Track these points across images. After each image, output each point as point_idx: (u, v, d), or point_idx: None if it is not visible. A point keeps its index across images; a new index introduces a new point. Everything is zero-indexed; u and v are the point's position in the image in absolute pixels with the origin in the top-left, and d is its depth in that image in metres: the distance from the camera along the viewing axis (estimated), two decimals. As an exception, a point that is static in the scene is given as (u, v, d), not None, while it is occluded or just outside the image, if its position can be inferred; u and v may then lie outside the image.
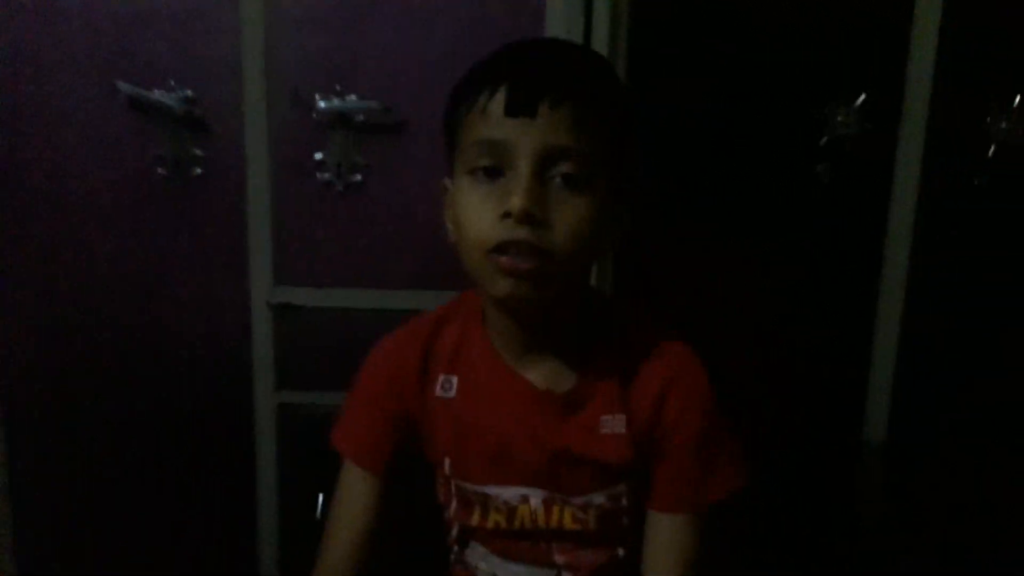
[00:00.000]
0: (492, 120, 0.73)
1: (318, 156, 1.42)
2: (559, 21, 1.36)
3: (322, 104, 1.39)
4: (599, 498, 0.84)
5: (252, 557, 1.55)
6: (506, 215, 0.72)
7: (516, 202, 0.71)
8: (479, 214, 0.74)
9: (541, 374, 0.84)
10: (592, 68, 0.78)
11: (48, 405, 1.51)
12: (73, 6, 1.36)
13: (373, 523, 0.88)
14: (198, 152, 1.42)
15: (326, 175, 1.43)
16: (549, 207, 0.73)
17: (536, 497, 0.85)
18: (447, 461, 0.87)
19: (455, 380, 0.87)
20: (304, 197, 1.44)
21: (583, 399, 0.83)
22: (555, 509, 0.85)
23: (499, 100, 0.73)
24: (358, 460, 0.88)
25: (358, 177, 1.43)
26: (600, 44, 1.37)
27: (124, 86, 1.37)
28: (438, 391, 0.87)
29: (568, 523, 0.85)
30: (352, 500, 0.88)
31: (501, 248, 0.73)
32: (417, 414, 0.88)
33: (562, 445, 0.83)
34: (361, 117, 1.41)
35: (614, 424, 0.82)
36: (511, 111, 0.72)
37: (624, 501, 0.85)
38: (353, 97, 1.40)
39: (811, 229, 1.52)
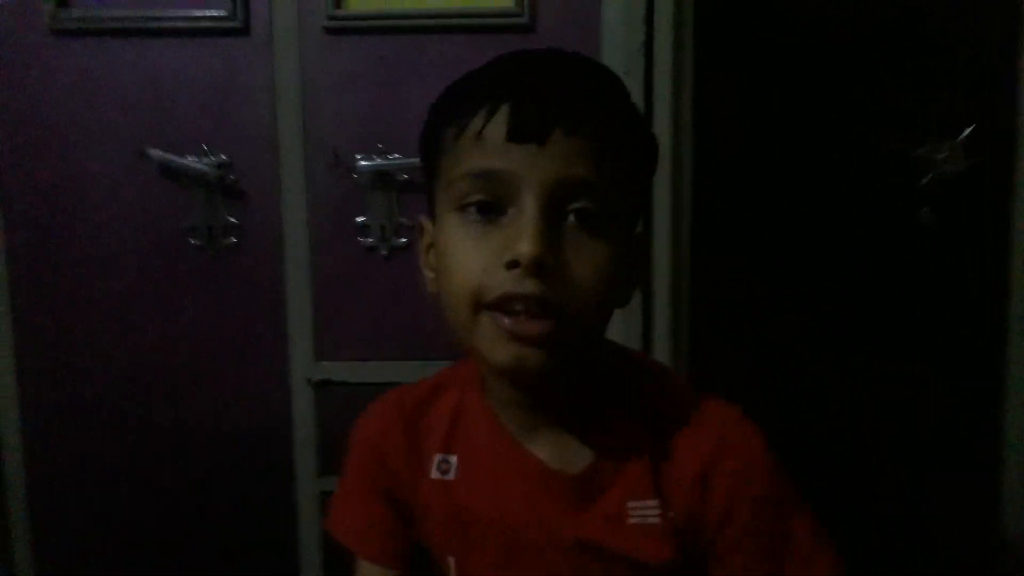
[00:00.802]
0: (490, 147, 0.59)
1: (360, 219, 1.31)
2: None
3: (363, 163, 1.29)
4: None
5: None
6: (512, 264, 0.57)
7: (526, 249, 0.56)
8: (473, 260, 0.59)
9: (552, 450, 0.68)
10: (611, 86, 0.65)
11: (81, 491, 1.41)
12: (103, 72, 1.30)
13: None
14: (232, 220, 1.33)
15: (369, 239, 1.32)
16: (562, 254, 0.58)
17: None
18: (451, 561, 0.71)
19: (454, 460, 0.71)
20: (346, 263, 1.33)
21: (603, 480, 0.67)
22: None
23: (500, 123, 0.59)
24: (368, 553, 0.74)
25: (403, 240, 1.31)
26: (663, 73, 1.23)
27: (155, 153, 1.29)
28: (434, 473, 0.71)
29: None
30: None
31: (503, 304, 0.58)
32: (411, 500, 0.73)
33: (583, 536, 0.66)
34: (404, 176, 1.30)
35: (645, 512, 0.66)
36: (517, 136, 0.58)
37: None
38: (396, 156, 1.29)
39: (915, 285, 1.33)
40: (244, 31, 1.27)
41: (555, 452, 0.68)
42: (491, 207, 0.59)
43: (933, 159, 1.30)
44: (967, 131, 1.29)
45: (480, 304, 0.59)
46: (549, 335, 0.58)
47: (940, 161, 1.30)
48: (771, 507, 0.66)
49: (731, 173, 1.32)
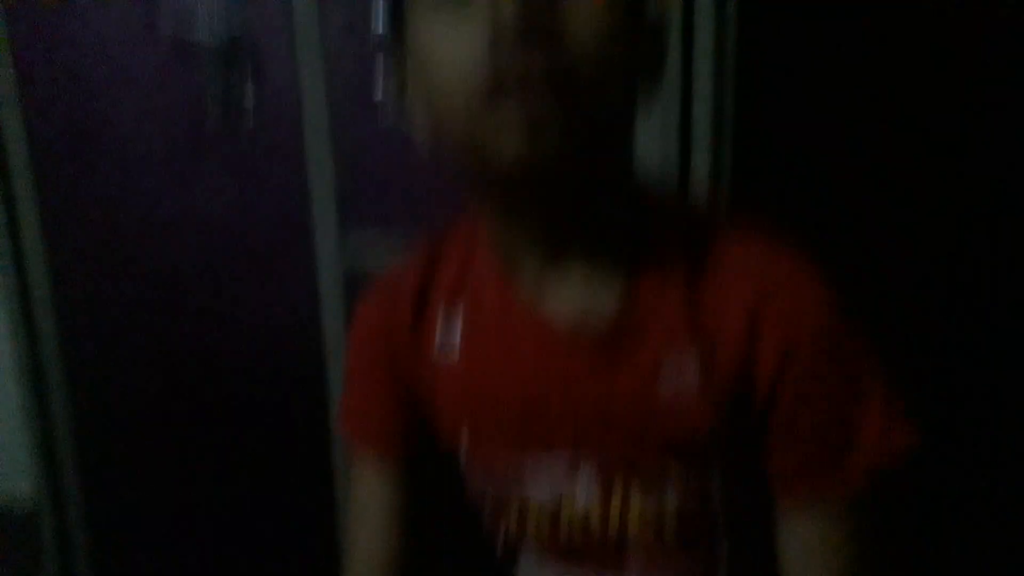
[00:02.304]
0: None
1: (378, 96, 1.26)
2: None
3: (379, 29, 1.23)
4: (674, 470, 0.59)
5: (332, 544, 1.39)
6: (499, 32, 0.48)
7: (509, 9, 0.47)
8: (453, 47, 0.50)
9: (570, 302, 0.58)
10: None
11: (111, 372, 1.42)
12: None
13: (400, 531, 0.67)
14: (250, 96, 1.29)
15: (388, 111, 1.27)
16: (559, 18, 0.49)
17: (584, 487, 0.61)
18: (463, 431, 0.65)
19: (457, 332, 0.63)
20: (367, 135, 1.28)
21: (632, 336, 0.57)
22: (614, 506, 0.61)
23: None
24: (365, 439, 0.68)
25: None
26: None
27: (166, 27, 1.25)
28: (435, 355, 0.64)
29: (635, 526, 0.60)
30: (372, 503, 0.67)
31: (498, 89, 0.48)
32: (414, 381, 0.66)
33: (608, 405, 0.58)
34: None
35: (682, 369, 0.57)
36: None
37: (715, 491, 0.59)
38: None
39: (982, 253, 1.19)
40: None
41: (573, 304, 0.58)
42: None
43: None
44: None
45: (477, 96, 0.49)
46: (559, 111, 0.48)
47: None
48: (835, 355, 0.56)
49: (777, 129, 1.21)
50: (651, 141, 1.12)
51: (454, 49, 0.50)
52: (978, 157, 1.21)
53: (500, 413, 0.62)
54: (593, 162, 0.54)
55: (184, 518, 1.45)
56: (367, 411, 0.68)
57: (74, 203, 1.36)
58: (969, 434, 1.21)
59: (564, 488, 0.62)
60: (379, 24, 1.23)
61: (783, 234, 0.60)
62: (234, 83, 1.28)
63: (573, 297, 0.59)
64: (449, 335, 0.63)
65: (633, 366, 0.58)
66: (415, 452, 0.68)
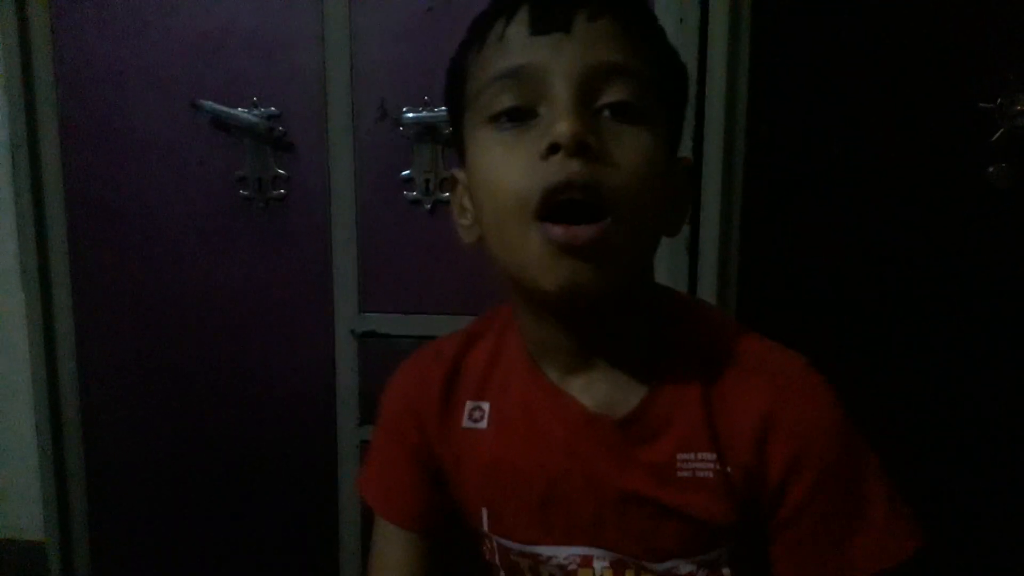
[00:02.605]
0: (514, 45, 0.56)
1: (405, 173, 1.31)
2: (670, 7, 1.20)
3: (409, 116, 1.28)
4: (687, 567, 0.62)
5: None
6: (551, 150, 0.53)
7: (563, 128, 0.53)
8: (510, 166, 0.55)
9: (595, 391, 0.63)
10: None
11: (130, 427, 1.46)
12: (154, 24, 1.32)
13: None
14: (281, 172, 1.34)
15: (413, 192, 1.32)
16: (602, 141, 0.55)
17: (601, 561, 0.63)
18: (484, 513, 0.68)
19: (487, 407, 0.67)
20: (391, 217, 1.33)
21: (653, 426, 0.61)
22: None
23: (522, 20, 0.57)
24: (387, 513, 0.72)
25: (446, 194, 1.31)
26: (719, 25, 1.19)
27: (206, 104, 1.31)
28: (465, 421, 0.68)
29: None
30: (389, 566, 0.71)
31: (550, 202, 0.53)
32: (441, 452, 0.70)
33: (627, 488, 0.61)
34: (449, 129, 1.29)
35: (697, 465, 0.60)
36: (539, 27, 0.56)
37: (725, 573, 0.62)
38: (442, 109, 1.28)
39: (985, 247, 1.26)
40: (293, -19, 1.28)
41: (598, 395, 0.63)
42: (523, 113, 0.56)
43: (1008, 111, 1.22)
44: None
45: (526, 212, 0.54)
46: (602, 240, 0.53)
47: (1014, 115, 1.22)
48: (841, 467, 0.59)
49: (788, 127, 1.27)
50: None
51: (510, 168, 0.55)
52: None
53: (522, 491, 0.65)
54: (627, 286, 0.59)
55: (193, 570, 1.49)
56: (390, 484, 0.72)
57: (105, 270, 1.41)
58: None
59: (577, 566, 0.64)
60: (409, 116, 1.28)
61: (789, 340, 0.64)
62: (267, 157, 1.34)
63: (596, 389, 0.63)
64: (477, 415, 0.68)
65: (652, 457, 0.61)
66: (434, 526, 0.71)
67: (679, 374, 0.62)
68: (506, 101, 0.56)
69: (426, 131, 1.29)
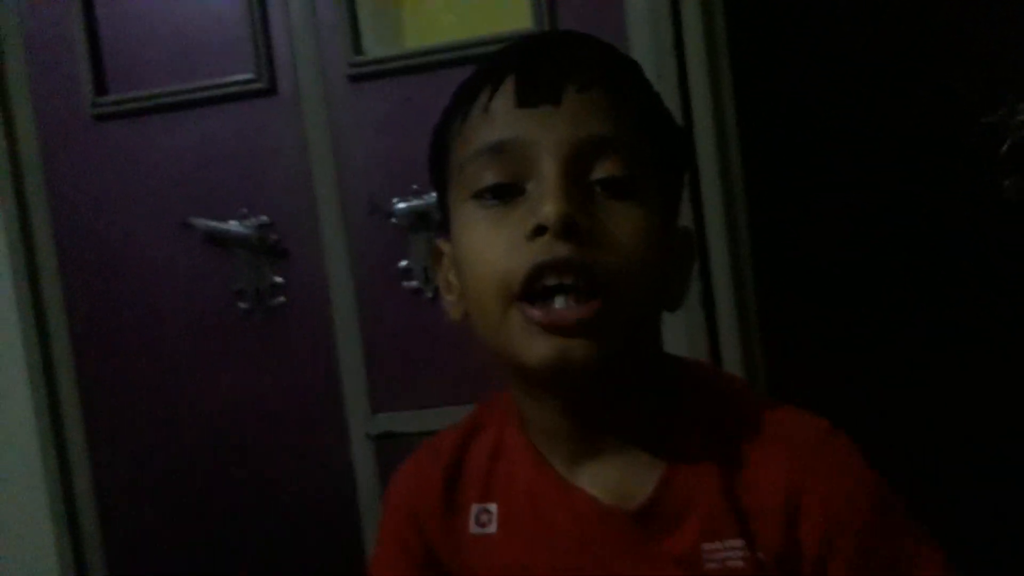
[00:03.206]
0: (499, 118, 0.53)
1: (403, 264, 1.28)
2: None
3: (401, 206, 1.26)
4: None
5: None
6: (537, 231, 0.50)
7: (550, 207, 0.49)
8: (493, 244, 0.52)
9: (606, 480, 0.57)
10: (617, 50, 0.59)
11: (150, 553, 1.40)
12: (143, 149, 1.33)
13: None
14: (278, 280, 1.32)
15: (413, 282, 1.28)
16: (594, 218, 0.51)
17: None
18: None
19: (494, 509, 0.61)
20: (393, 310, 1.30)
21: (672, 514, 0.55)
22: None
23: (507, 92, 0.53)
24: None
25: (447, 280, 1.28)
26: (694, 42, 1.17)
27: (198, 222, 1.30)
28: (472, 527, 0.62)
29: None
30: None
31: (533, 284, 0.50)
32: (449, 561, 0.63)
33: None
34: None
35: (726, 555, 0.54)
36: (526, 99, 0.52)
37: None
38: (433, 195, 1.26)
39: (999, 263, 1.20)
40: (271, 91, 1.29)
41: (610, 485, 0.57)
42: (508, 189, 0.52)
43: (1010, 123, 1.18)
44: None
45: (509, 295, 0.51)
46: (592, 320, 0.50)
47: (1018, 124, 1.18)
48: (881, 535, 0.54)
49: (787, 155, 1.23)
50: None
51: (494, 247, 0.52)
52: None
53: None
54: (624, 362, 0.54)
55: None
56: None
57: (114, 395, 1.39)
58: None
59: None
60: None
61: (814, 408, 0.58)
62: (263, 267, 1.32)
63: (607, 477, 0.57)
64: (484, 519, 0.62)
65: (674, 550, 0.55)
66: None
67: (695, 452, 0.56)
68: (491, 177, 0.53)
69: (419, 219, 1.27)
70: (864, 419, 0.61)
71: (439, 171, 0.59)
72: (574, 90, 0.52)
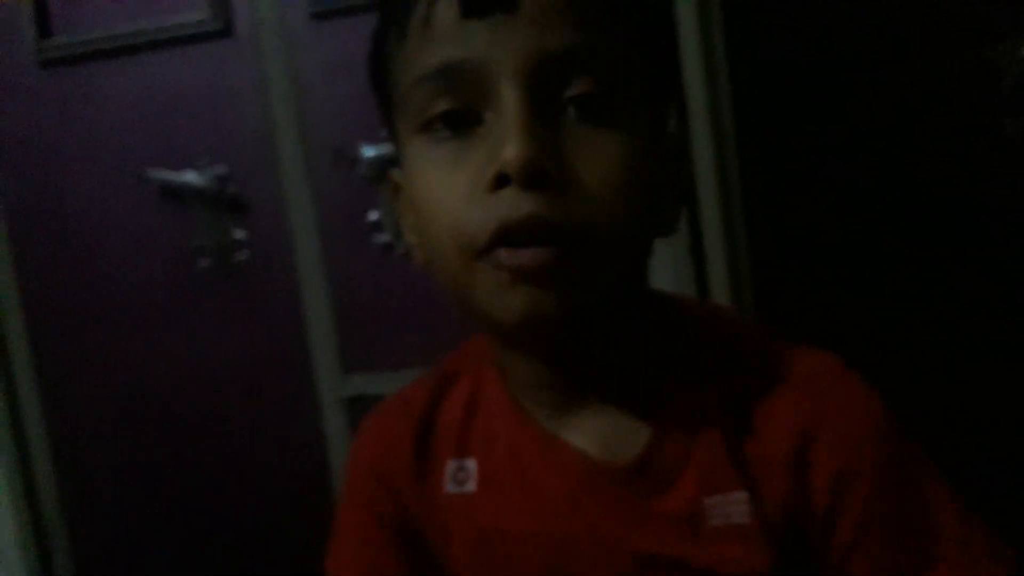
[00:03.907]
0: (443, 33, 0.45)
1: (372, 216, 1.21)
2: None
3: (368, 153, 1.19)
4: None
5: None
6: (499, 182, 0.42)
7: (512, 152, 0.41)
8: (449, 192, 0.45)
9: (594, 433, 0.51)
10: None
11: (114, 521, 1.34)
12: (93, 96, 1.25)
13: None
14: (240, 235, 1.24)
15: (383, 236, 1.21)
16: (564, 157, 0.43)
17: None
18: None
19: (472, 466, 0.55)
20: (363, 266, 1.22)
21: (668, 469, 0.49)
22: None
23: (448, 1, 0.44)
24: None
25: (419, 232, 1.20)
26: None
27: (154, 173, 1.22)
28: (448, 485, 0.55)
29: None
30: None
31: (497, 243, 0.43)
32: (423, 522, 0.57)
33: (645, 549, 0.49)
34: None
35: (729, 509, 0.49)
36: (472, 7, 0.44)
37: None
38: (403, 141, 1.19)
39: (1002, 208, 1.14)
40: (227, 32, 1.21)
41: (599, 440, 0.51)
42: (461, 119, 0.45)
43: (1012, 58, 1.12)
44: (1050, 19, 1.11)
45: (471, 251, 0.44)
46: (562, 265, 0.43)
47: (1021, 60, 1.11)
48: (897, 482, 0.49)
49: (780, 89, 1.17)
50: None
51: (451, 194, 0.45)
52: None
53: (522, 564, 0.52)
54: (605, 310, 0.47)
55: None
56: (366, 565, 0.59)
57: (72, 359, 1.32)
58: None
59: None
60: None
61: (813, 328, 0.53)
62: (223, 221, 1.24)
63: (595, 431, 0.51)
64: (461, 476, 0.55)
65: (671, 507, 0.49)
66: None
67: (693, 399, 0.50)
68: (440, 106, 0.45)
69: (389, 165, 1.19)
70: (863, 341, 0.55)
71: (381, 92, 0.51)
72: None
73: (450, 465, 0.56)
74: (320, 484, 1.25)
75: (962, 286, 1.15)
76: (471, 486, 0.55)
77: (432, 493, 0.56)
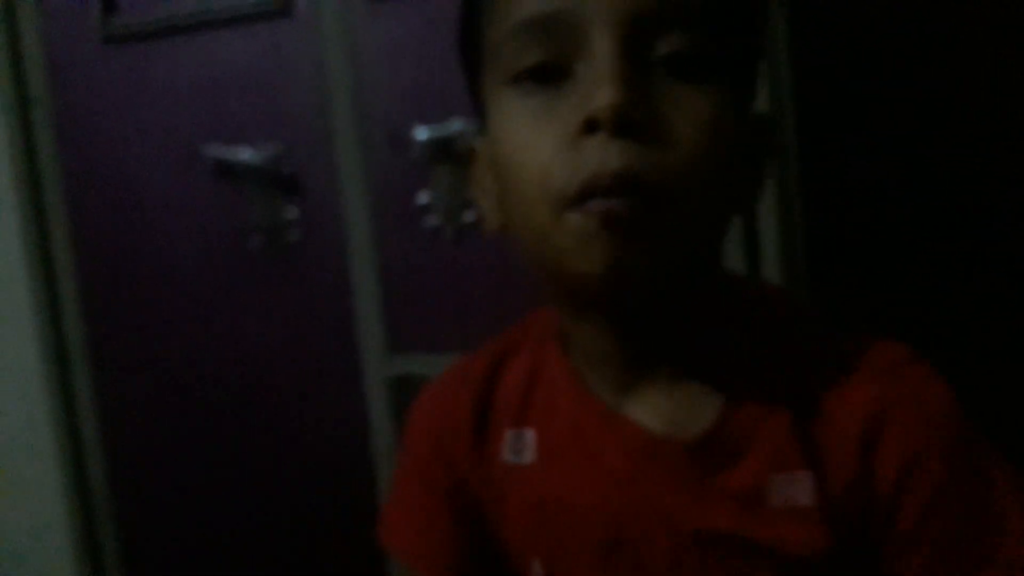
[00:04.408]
0: None
1: (423, 200, 1.21)
2: None
3: (421, 136, 1.19)
4: None
5: None
6: (589, 127, 0.43)
7: (604, 99, 0.42)
8: (538, 143, 0.45)
9: (658, 410, 0.51)
10: None
11: (159, 498, 1.36)
12: (154, 73, 1.27)
13: None
14: (292, 216, 1.25)
15: (433, 219, 1.21)
16: (654, 110, 0.44)
17: None
18: (535, 564, 0.55)
19: (530, 436, 0.55)
20: (412, 249, 1.23)
21: (733, 446, 0.50)
22: None
23: None
24: (419, 566, 0.59)
25: (470, 216, 1.20)
26: None
27: (210, 148, 1.24)
28: (506, 455, 0.56)
29: None
30: None
31: (587, 196, 0.43)
32: (479, 491, 0.58)
33: (708, 525, 0.49)
34: (471, 139, 1.19)
35: (792, 489, 0.49)
36: None
37: None
38: (456, 123, 1.19)
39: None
40: (286, 12, 1.21)
41: (663, 414, 0.52)
42: (553, 71, 0.45)
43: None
44: None
45: (559, 202, 0.45)
46: (649, 217, 0.43)
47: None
48: (966, 473, 0.48)
49: (840, 85, 1.14)
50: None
51: (539, 146, 0.45)
52: None
53: (581, 536, 0.53)
54: (684, 275, 0.48)
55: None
56: (420, 532, 0.60)
57: (123, 335, 1.34)
58: None
59: None
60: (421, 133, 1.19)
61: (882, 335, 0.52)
62: (277, 201, 1.25)
63: (659, 407, 0.52)
64: (519, 446, 0.56)
65: (734, 485, 0.49)
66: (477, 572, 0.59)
67: (761, 380, 0.51)
68: (532, 57, 0.45)
69: (441, 150, 1.19)
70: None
71: (470, 52, 0.52)
72: None
73: (508, 435, 0.56)
74: (361, 460, 1.26)
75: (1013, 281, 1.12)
76: (529, 456, 0.55)
77: (489, 462, 0.57)
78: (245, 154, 1.24)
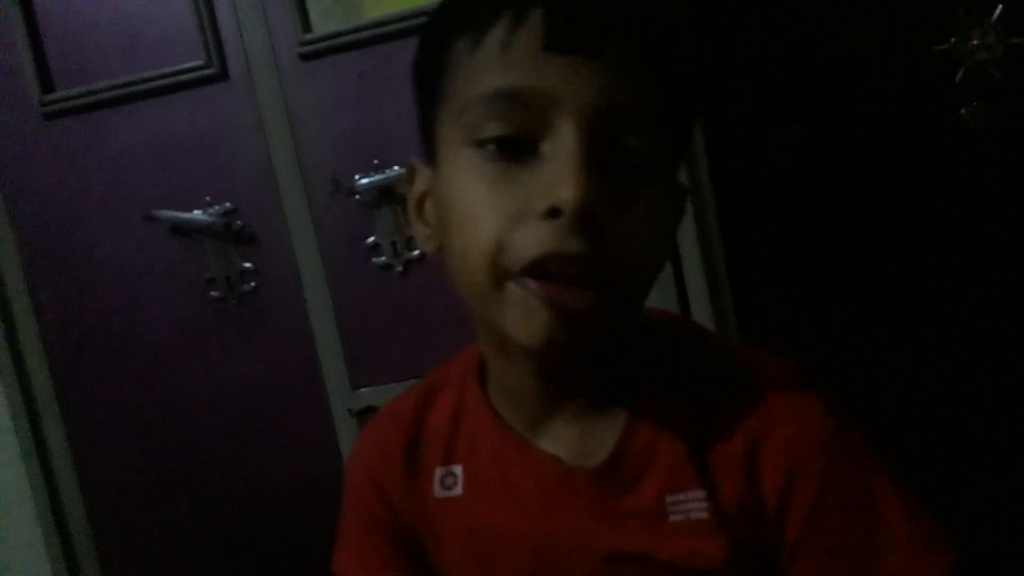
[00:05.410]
0: (519, 59, 0.45)
1: (370, 240, 1.28)
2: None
3: (363, 182, 1.26)
4: None
5: None
6: (551, 213, 0.44)
7: (570, 193, 0.43)
8: (492, 211, 0.45)
9: (568, 441, 0.55)
10: None
11: (138, 543, 1.41)
12: (98, 145, 1.32)
13: None
14: (248, 265, 1.31)
15: (382, 257, 1.28)
16: (612, 207, 0.45)
17: None
18: None
19: (459, 471, 0.59)
20: (364, 287, 1.29)
21: (633, 470, 0.54)
22: None
23: (532, 28, 0.45)
24: None
25: (415, 252, 1.27)
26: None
27: (162, 213, 1.29)
28: (437, 490, 0.60)
29: None
30: None
31: (535, 269, 0.45)
32: (415, 526, 0.62)
33: (616, 545, 0.53)
34: (405, 188, 1.26)
35: (688, 506, 0.52)
36: (558, 42, 0.44)
37: None
38: (395, 168, 1.26)
39: (963, 194, 1.20)
40: (223, 76, 1.27)
41: (571, 445, 0.55)
42: (515, 144, 0.45)
43: (963, 50, 1.18)
44: (999, 8, 1.17)
45: (504, 270, 0.45)
46: (592, 309, 0.45)
47: (971, 50, 1.18)
48: (844, 482, 0.51)
49: (748, 92, 1.22)
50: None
51: (495, 213, 0.46)
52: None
53: (508, 560, 0.57)
54: (614, 337, 0.51)
55: None
56: (369, 565, 0.63)
57: (93, 394, 1.38)
58: None
59: None
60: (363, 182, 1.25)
61: (788, 354, 0.57)
62: (232, 254, 1.31)
63: (568, 436, 0.55)
64: (449, 482, 0.60)
65: (637, 506, 0.53)
66: None
67: (658, 407, 0.54)
68: (498, 128, 0.46)
69: (382, 194, 1.26)
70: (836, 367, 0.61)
71: (426, 88, 0.52)
72: (617, 41, 0.44)
73: (438, 472, 0.60)
74: (335, 490, 1.32)
75: (933, 274, 1.21)
76: (458, 490, 0.59)
77: (423, 499, 0.60)
78: (197, 215, 1.29)
